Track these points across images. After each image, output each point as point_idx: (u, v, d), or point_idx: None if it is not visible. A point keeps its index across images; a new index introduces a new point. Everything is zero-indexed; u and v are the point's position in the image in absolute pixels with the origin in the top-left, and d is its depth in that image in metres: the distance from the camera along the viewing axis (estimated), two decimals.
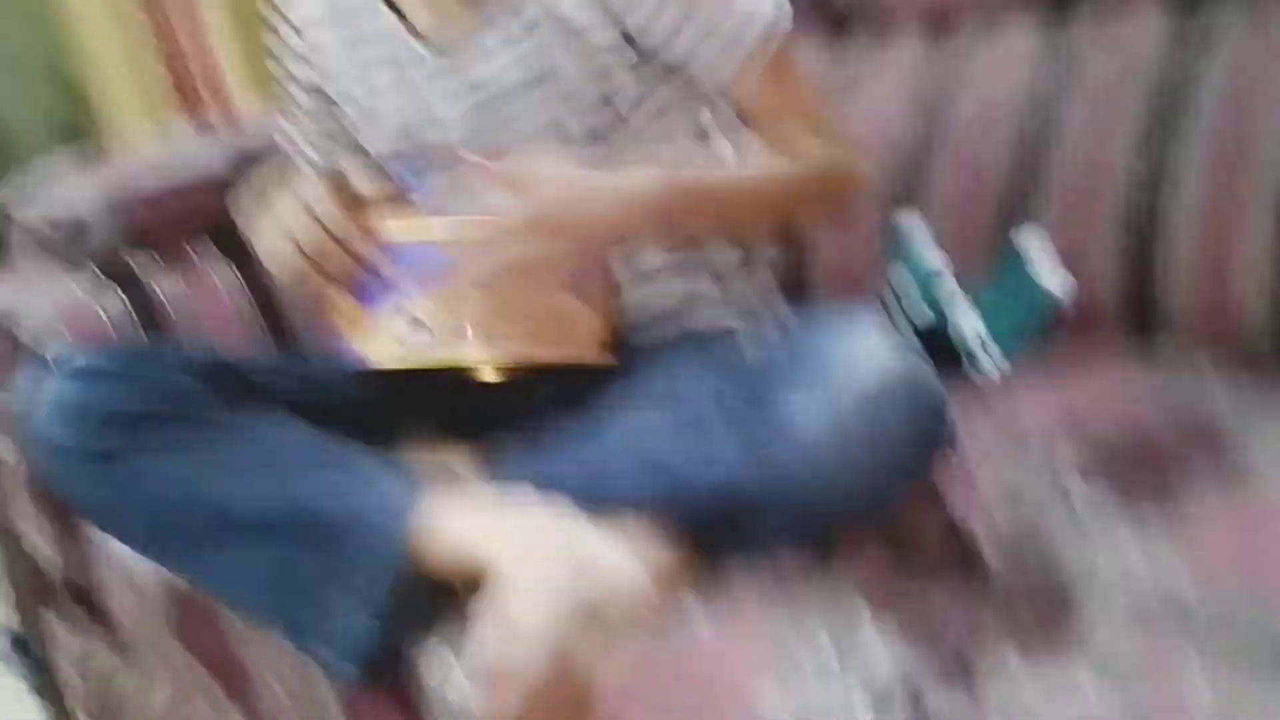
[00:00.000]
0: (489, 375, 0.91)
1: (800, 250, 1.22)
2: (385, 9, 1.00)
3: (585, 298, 0.89)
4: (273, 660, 0.97)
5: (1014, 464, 0.85)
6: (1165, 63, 1.04)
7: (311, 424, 0.89)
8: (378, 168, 0.98)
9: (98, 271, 1.21)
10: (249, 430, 0.86)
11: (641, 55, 0.95)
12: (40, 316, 1.17)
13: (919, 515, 0.79)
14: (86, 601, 1.23)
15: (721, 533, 0.77)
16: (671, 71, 0.97)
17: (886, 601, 0.71)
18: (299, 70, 1.06)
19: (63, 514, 1.17)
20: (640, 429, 0.82)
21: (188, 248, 1.25)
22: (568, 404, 0.89)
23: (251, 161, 1.25)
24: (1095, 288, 1.05)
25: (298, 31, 1.05)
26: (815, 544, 0.76)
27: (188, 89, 2.65)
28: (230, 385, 0.90)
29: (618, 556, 0.75)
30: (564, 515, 0.78)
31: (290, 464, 0.85)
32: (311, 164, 1.07)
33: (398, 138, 1.01)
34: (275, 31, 1.07)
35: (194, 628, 1.05)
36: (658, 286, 0.99)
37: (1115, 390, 0.94)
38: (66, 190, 1.25)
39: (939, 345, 1.06)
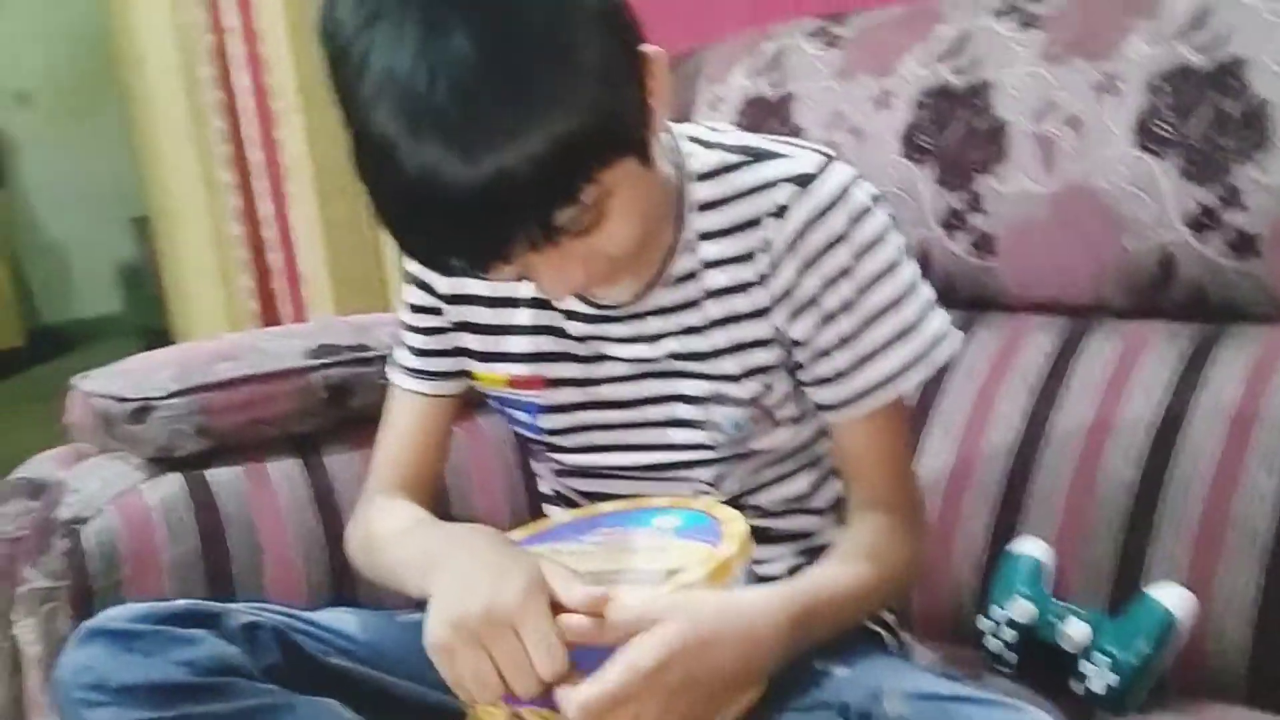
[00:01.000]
0: None
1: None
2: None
3: None
4: None
5: None
6: None
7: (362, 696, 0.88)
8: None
9: (157, 455, 1.16)
10: (290, 712, 0.84)
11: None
12: (86, 494, 1.11)
13: None
14: None
15: None
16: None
17: None
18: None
19: None
20: None
21: (255, 439, 1.20)
22: None
23: (331, 353, 1.22)
24: (1223, 639, 0.96)
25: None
26: None
27: (268, 298, 2.68)
28: (274, 652, 0.87)
29: None
30: None
31: None
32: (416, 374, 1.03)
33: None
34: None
35: None
36: None
37: None
38: (137, 370, 1.21)
39: (1041, 650, 0.97)
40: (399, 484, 1.02)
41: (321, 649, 0.93)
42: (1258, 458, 0.99)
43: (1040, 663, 0.98)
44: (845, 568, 0.89)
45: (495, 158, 0.70)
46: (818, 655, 0.85)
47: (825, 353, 0.90)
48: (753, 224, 0.89)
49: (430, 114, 0.70)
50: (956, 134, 1.20)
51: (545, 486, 1.07)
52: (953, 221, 1.21)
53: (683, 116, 1.38)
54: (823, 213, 0.87)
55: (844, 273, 0.88)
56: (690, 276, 0.91)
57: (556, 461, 1.01)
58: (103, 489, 1.12)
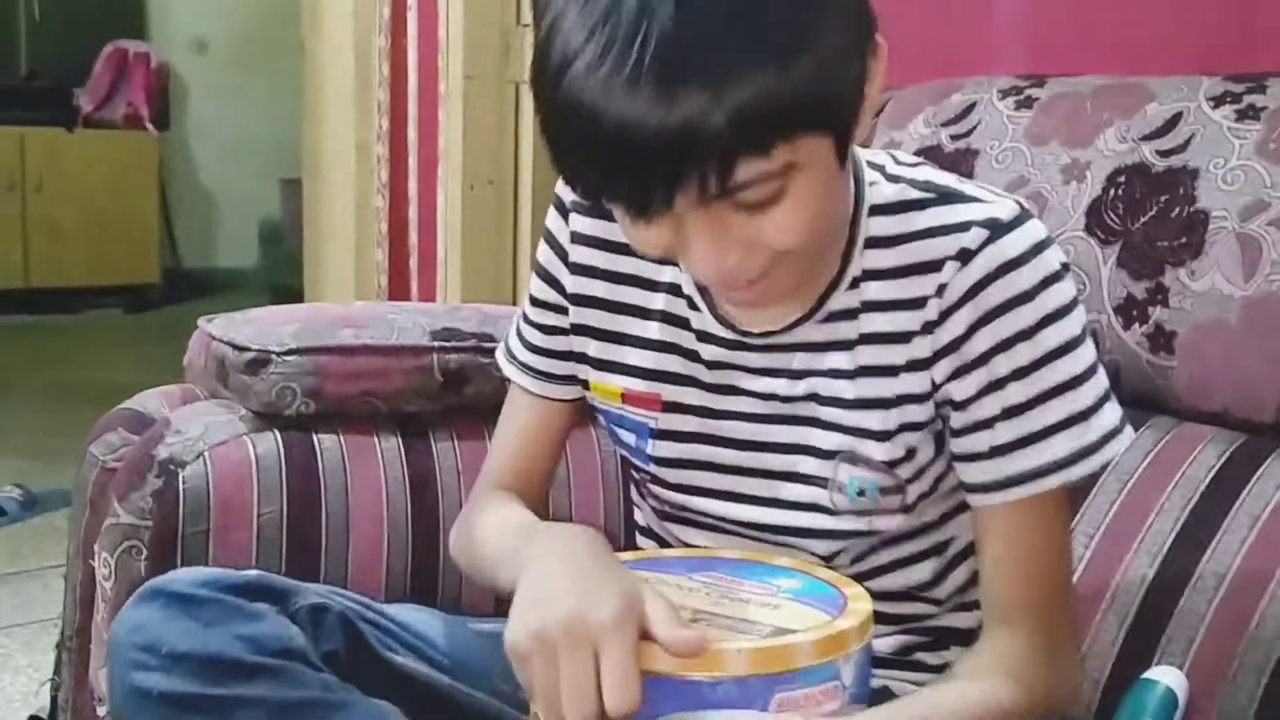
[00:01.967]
0: None
1: None
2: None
3: None
4: None
5: None
6: None
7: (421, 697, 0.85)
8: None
9: (263, 410, 1.13)
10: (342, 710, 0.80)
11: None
12: (188, 436, 1.09)
13: None
14: None
15: None
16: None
17: None
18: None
19: None
20: None
21: (362, 412, 1.17)
22: None
23: (455, 337, 1.18)
24: None
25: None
26: None
27: (399, 276, 2.68)
28: (337, 638, 0.85)
29: None
30: None
31: None
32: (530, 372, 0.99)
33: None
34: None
35: None
36: None
37: None
38: (261, 320, 1.20)
39: None
40: (506, 481, 0.98)
41: (387, 643, 0.89)
42: None
43: None
44: (975, 685, 0.79)
45: (702, 88, 0.65)
46: None
47: (986, 423, 0.81)
48: (929, 267, 0.81)
49: (656, 32, 0.65)
50: (1150, 218, 1.12)
51: (642, 519, 1.01)
52: (1131, 311, 1.12)
53: None
54: (1012, 266, 0.79)
55: (1022, 337, 0.79)
56: (847, 314, 0.84)
57: (656, 499, 0.95)
58: (205, 434, 1.10)
